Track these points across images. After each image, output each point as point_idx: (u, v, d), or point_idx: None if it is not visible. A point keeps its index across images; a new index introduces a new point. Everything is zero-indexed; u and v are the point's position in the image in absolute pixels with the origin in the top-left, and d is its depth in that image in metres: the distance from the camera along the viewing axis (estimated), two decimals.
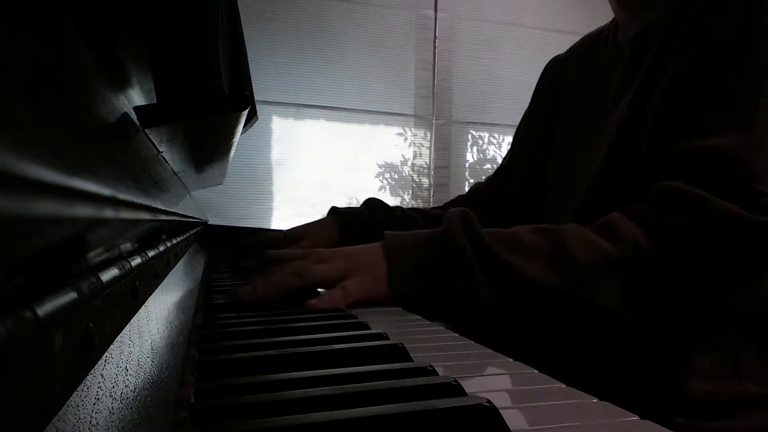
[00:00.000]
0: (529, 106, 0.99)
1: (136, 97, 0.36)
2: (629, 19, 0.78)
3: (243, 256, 1.07)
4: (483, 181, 1.09)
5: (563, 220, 0.78)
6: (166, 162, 0.49)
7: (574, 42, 0.94)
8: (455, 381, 0.30)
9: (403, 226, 0.97)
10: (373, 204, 1.02)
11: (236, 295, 0.59)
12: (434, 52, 3.02)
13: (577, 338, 0.61)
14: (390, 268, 0.60)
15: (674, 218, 0.56)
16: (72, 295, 0.17)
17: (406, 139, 3.01)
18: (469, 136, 3.10)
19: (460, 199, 1.09)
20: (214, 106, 0.41)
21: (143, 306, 0.31)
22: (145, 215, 0.33)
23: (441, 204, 1.12)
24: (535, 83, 0.99)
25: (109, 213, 0.22)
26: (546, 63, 0.98)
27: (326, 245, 0.95)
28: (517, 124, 1.02)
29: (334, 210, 1.01)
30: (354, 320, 0.51)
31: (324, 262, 0.61)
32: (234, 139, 0.62)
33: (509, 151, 1.03)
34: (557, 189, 0.85)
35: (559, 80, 0.91)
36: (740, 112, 0.59)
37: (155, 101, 0.37)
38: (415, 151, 3.02)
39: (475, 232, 0.59)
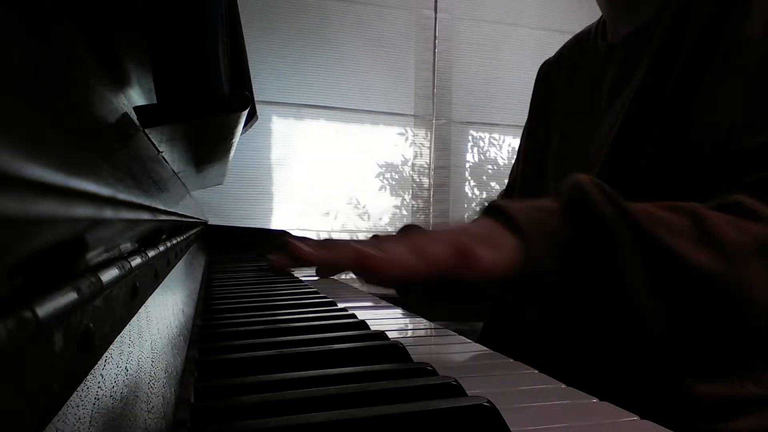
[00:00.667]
0: (528, 116, 0.98)
1: (136, 97, 0.36)
2: (619, 18, 0.77)
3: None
4: (496, 198, 1.09)
5: None
6: (166, 162, 0.49)
7: None
8: (455, 381, 0.30)
9: None
10: (410, 230, 1.03)
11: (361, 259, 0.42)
12: (434, 52, 3.02)
13: (719, 330, 0.51)
14: (526, 242, 0.47)
15: None
16: (72, 295, 0.17)
17: (406, 139, 3.01)
18: (470, 136, 3.10)
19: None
20: (214, 106, 0.41)
21: (143, 306, 0.31)
22: (145, 215, 0.33)
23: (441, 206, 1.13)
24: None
25: (108, 213, 0.22)
26: (560, 46, 0.97)
27: None
28: (517, 123, 1.03)
29: (374, 237, 1.02)
30: (354, 320, 0.51)
31: (433, 240, 0.46)
32: (234, 139, 0.62)
33: (514, 164, 1.02)
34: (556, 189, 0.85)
35: (551, 84, 0.90)
36: None
37: (155, 101, 0.37)
38: (415, 151, 3.02)
39: (617, 201, 0.49)
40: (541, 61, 0.99)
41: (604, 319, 0.50)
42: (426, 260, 0.43)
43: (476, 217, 0.52)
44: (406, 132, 3.00)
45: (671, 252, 0.48)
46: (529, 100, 0.99)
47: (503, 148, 3.11)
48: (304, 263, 0.46)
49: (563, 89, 0.86)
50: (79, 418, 0.16)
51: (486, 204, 0.52)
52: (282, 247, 1.06)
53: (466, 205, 3.03)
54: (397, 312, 0.63)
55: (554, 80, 0.90)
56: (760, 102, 0.60)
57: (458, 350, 0.45)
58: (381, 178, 2.98)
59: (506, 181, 1.07)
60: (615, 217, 0.48)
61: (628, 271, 0.47)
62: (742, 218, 0.51)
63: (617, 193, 0.49)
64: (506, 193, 1.02)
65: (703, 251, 0.48)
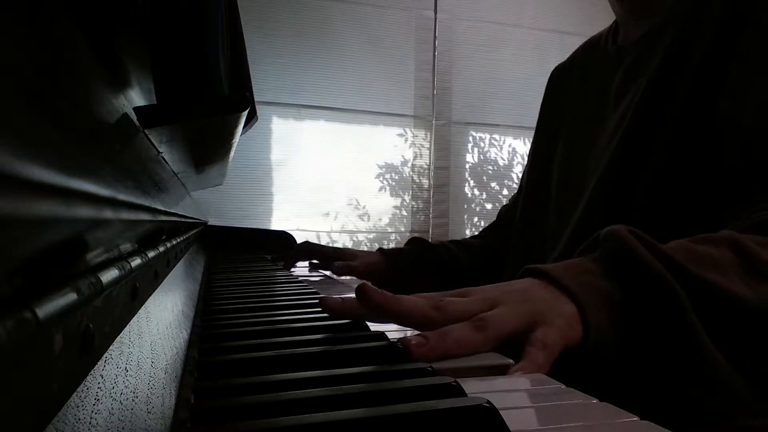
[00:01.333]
0: (538, 120, 0.99)
1: (135, 97, 0.36)
2: (631, 21, 0.77)
3: (288, 258, 1.15)
4: (508, 203, 1.10)
5: (566, 224, 0.77)
6: (166, 162, 0.49)
7: (573, 43, 0.94)
8: (455, 381, 0.30)
9: (448, 263, 1.00)
10: (417, 242, 1.07)
11: (407, 345, 0.39)
12: (434, 52, 3.02)
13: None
14: (582, 307, 0.44)
15: None
16: (72, 296, 0.17)
17: (406, 140, 3.01)
18: (469, 137, 3.10)
19: (494, 226, 1.10)
20: (214, 107, 0.41)
21: (143, 307, 0.31)
22: (144, 216, 0.33)
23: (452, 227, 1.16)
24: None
25: (108, 213, 0.22)
26: (548, 63, 1.00)
27: (377, 269, 1.00)
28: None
29: (381, 250, 1.06)
30: (353, 321, 0.50)
31: (498, 305, 0.44)
32: (234, 140, 0.62)
33: (526, 168, 1.02)
34: (559, 193, 0.84)
35: (562, 89, 0.91)
36: None
37: (155, 101, 0.37)
38: (415, 152, 3.02)
39: (657, 249, 0.46)
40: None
41: (662, 363, 0.47)
42: (492, 341, 0.42)
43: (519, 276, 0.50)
44: (406, 133, 3.01)
45: (721, 291, 0.45)
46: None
47: (503, 148, 3.11)
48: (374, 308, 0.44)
49: (574, 94, 0.87)
50: (79, 419, 0.16)
51: (527, 268, 0.49)
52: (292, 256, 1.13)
53: (465, 206, 3.03)
54: None
55: (565, 85, 0.90)
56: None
57: None
58: (381, 178, 2.98)
59: (508, 181, 1.08)
60: (664, 269, 0.45)
61: (689, 324, 0.45)
62: None
63: (655, 241, 0.47)
64: (516, 196, 1.03)
65: (756, 286, 0.46)
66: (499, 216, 1.10)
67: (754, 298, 0.45)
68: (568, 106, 0.87)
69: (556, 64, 0.97)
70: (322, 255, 1.11)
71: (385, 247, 1.08)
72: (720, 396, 0.47)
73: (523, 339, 0.42)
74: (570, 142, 0.84)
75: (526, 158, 1.07)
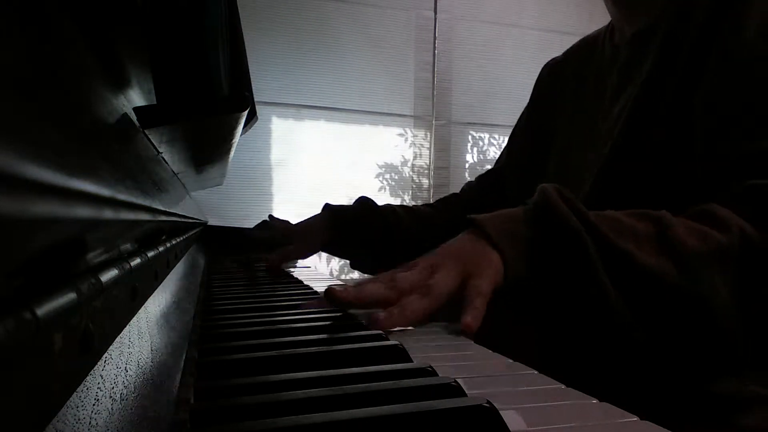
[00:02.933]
0: (526, 111, 0.98)
1: (135, 97, 0.36)
2: (625, 20, 0.77)
3: (246, 251, 1.13)
4: (474, 180, 1.09)
5: None
6: (166, 163, 0.49)
7: (573, 42, 0.94)
8: (455, 382, 0.30)
9: (393, 228, 0.98)
10: (364, 203, 1.01)
11: (375, 321, 0.49)
12: (434, 53, 3.03)
13: (686, 337, 0.54)
14: (502, 252, 0.53)
15: None
16: (71, 296, 0.17)
17: (406, 140, 3.01)
18: (469, 137, 3.11)
19: (453, 198, 1.08)
20: (213, 107, 0.41)
21: (143, 307, 0.31)
22: (144, 216, 0.33)
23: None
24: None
25: (108, 214, 0.22)
26: (543, 65, 0.98)
27: (311, 249, 1.01)
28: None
29: (327, 207, 1.02)
30: (353, 321, 0.51)
31: (437, 270, 0.53)
32: (234, 140, 0.62)
33: (504, 154, 1.03)
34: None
35: (556, 84, 0.91)
36: None
37: (155, 102, 0.37)
38: (414, 152, 3.02)
39: (578, 209, 0.53)
40: (541, 61, 0.99)
41: (583, 315, 0.54)
42: (439, 302, 0.51)
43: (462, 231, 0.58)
44: (406, 133, 3.01)
45: (630, 258, 0.51)
46: (526, 105, 1.00)
47: (502, 147, 3.11)
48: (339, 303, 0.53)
49: (569, 91, 0.87)
50: (79, 419, 0.16)
51: (466, 218, 0.58)
52: (265, 241, 1.09)
53: None
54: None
55: (560, 80, 0.90)
56: (757, 106, 0.60)
57: (458, 351, 0.45)
58: (381, 178, 2.98)
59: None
60: (578, 224, 0.53)
61: (593, 274, 0.52)
62: (711, 227, 0.53)
63: (580, 205, 0.54)
64: (486, 177, 1.04)
65: (663, 258, 0.52)
66: (462, 192, 1.09)
67: (656, 268, 0.51)
68: (563, 102, 0.87)
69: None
70: (271, 242, 1.09)
71: (333, 203, 1.03)
72: (615, 329, 0.53)
73: (462, 291, 0.52)
74: (567, 140, 0.84)
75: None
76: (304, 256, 1.05)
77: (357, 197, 1.03)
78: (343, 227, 0.98)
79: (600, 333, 0.55)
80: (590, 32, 0.92)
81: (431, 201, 3.00)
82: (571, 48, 0.93)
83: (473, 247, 0.55)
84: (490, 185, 1.01)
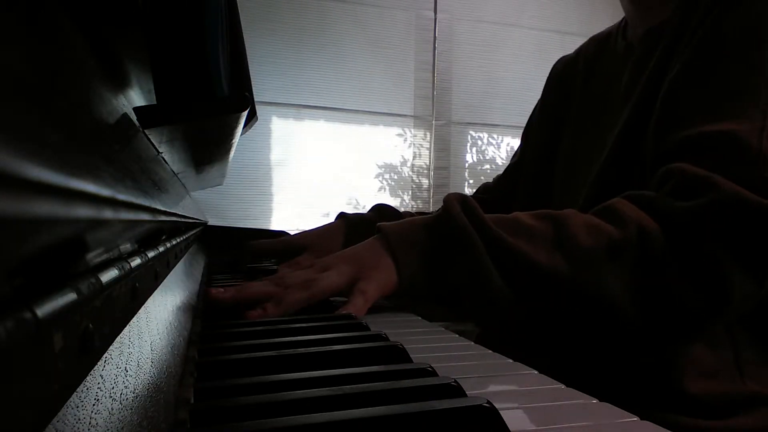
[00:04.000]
0: (538, 108, 0.98)
1: (135, 97, 0.36)
2: (639, 17, 0.77)
3: (242, 260, 1.01)
4: (491, 181, 1.07)
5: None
6: (166, 163, 0.49)
7: (573, 43, 0.94)
8: (455, 382, 0.30)
9: None
10: (382, 211, 0.98)
11: (247, 316, 0.55)
12: (434, 53, 3.02)
13: (582, 328, 0.58)
14: (396, 259, 0.58)
15: (680, 199, 0.54)
16: (71, 296, 0.17)
17: (405, 140, 3.01)
18: (469, 137, 3.11)
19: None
20: (213, 107, 0.41)
21: (143, 307, 0.31)
22: (144, 216, 0.33)
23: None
24: (535, 84, 0.99)
25: (108, 214, 0.22)
26: (548, 63, 0.98)
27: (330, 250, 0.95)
28: (516, 124, 1.02)
29: (343, 216, 0.98)
30: (353, 321, 0.51)
31: (328, 269, 0.59)
32: (234, 140, 0.62)
33: (518, 152, 1.01)
34: (563, 188, 0.84)
35: (568, 81, 0.90)
36: (750, 99, 0.58)
37: (155, 102, 0.37)
38: (414, 152, 3.02)
39: (475, 215, 0.58)
40: (541, 62, 0.99)
41: (470, 304, 0.59)
42: (317, 295, 0.58)
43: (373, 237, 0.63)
44: (406, 133, 3.01)
45: (523, 256, 0.55)
46: (529, 101, 0.99)
47: (502, 148, 3.11)
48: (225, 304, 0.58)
49: (580, 87, 0.86)
50: (79, 419, 0.16)
51: (376, 227, 0.63)
52: (248, 256, 1.00)
53: None
54: (397, 313, 0.63)
55: (572, 77, 0.90)
56: (704, 93, 0.61)
57: (458, 351, 0.45)
58: (380, 178, 2.98)
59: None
60: (471, 227, 0.57)
61: (489, 274, 0.56)
62: (608, 222, 0.56)
63: (477, 207, 0.58)
64: (503, 177, 1.02)
65: (554, 254, 0.55)
66: (476, 193, 1.07)
67: (546, 263, 0.55)
68: (574, 99, 0.87)
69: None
70: (275, 253, 1.02)
71: (350, 213, 0.97)
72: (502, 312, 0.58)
73: (348, 291, 0.58)
74: (577, 136, 0.84)
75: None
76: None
77: (373, 205, 1.01)
78: (361, 236, 0.97)
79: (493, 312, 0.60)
80: (591, 32, 0.92)
81: (431, 201, 3.00)
82: (582, 46, 0.92)
83: (370, 253, 0.60)
84: (507, 185, 0.99)
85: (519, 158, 0.99)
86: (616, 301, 0.54)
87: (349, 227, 0.94)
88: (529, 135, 0.98)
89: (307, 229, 1.00)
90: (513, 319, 0.59)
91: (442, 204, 0.61)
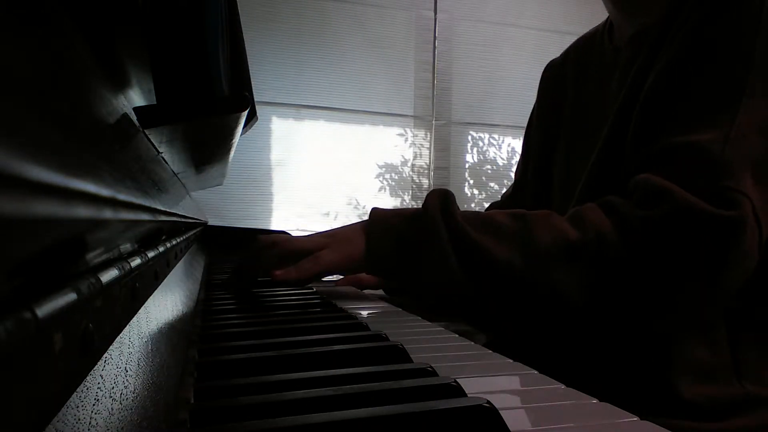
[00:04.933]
0: (535, 114, 0.97)
1: (135, 97, 0.36)
2: (625, 20, 0.77)
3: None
4: (499, 200, 1.06)
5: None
6: (166, 163, 0.49)
7: (572, 42, 0.93)
8: (455, 382, 0.30)
9: None
10: None
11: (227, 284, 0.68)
12: (434, 53, 3.03)
13: (535, 323, 0.61)
14: (369, 239, 0.64)
15: (639, 208, 0.56)
16: (71, 296, 0.17)
17: (406, 140, 3.01)
18: (469, 137, 3.11)
19: None
20: (213, 107, 0.41)
21: (143, 307, 0.31)
22: (144, 216, 0.33)
23: None
24: (535, 84, 0.98)
25: (108, 214, 0.22)
26: (543, 66, 0.96)
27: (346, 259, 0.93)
28: (516, 124, 1.02)
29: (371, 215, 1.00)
30: (353, 321, 0.51)
31: (310, 238, 0.67)
32: (234, 140, 0.62)
33: (520, 163, 1.01)
34: (561, 193, 0.84)
35: (558, 86, 0.90)
36: (721, 109, 0.58)
37: (155, 102, 0.37)
38: (414, 152, 3.02)
39: (449, 210, 0.62)
40: (541, 62, 0.98)
41: (431, 289, 0.64)
42: (282, 251, 0.68)
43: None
44: (406, 133, 3.01)
45: (479, 248, 0.59)
46: (529, 101, 0.99)
47: (503, 148, 3.11)
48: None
49: (571, 90, 0.86)
50: (79, 419, 0.16)
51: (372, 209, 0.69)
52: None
53: (465, 206, 3.03)
54: (397, 313, 0.63)
55: (561, 81, 0.89)
56: (679, 103, 0.61)
57: (458, 351, 0.45)
58: (381, 178, 2.98)
59: (507, 181, 1.05)
60: (441, 221, 0.61)
61: (448, 264, 0.60)
62: (570, 225, 0.59)
63: (454, 204, 0.64)
64: (513, 192, 1.01)
65: (514, 251, 0.59)
66: (493, 208, 1.05)
67: (503, 257, 0.58)
68: (566, 104, 0.87)
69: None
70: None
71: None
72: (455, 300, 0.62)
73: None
74: (572, 140, 0.83)
75: None
76: (337, 263, 0.95)
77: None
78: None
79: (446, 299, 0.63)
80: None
81: None
82: (569, 48, 0.92)
83: (348, 230, 0.68)
84: (516, 198, 0.98)
85: (523, 168, 0.98)
86: (567, 297, 0.57)
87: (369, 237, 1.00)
88: (529, 143, 0.98)
89: (308, 229, 0.99)
90: (470, 308, 0.63)
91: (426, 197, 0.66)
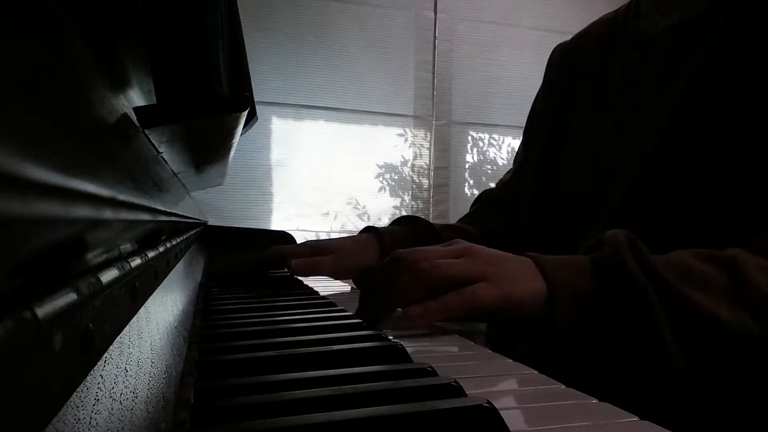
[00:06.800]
0: (540, 99, 0.91)
1: (135, 97, 0.36)
2: (665, 6, 0.71)
3: (255, 267, 0.90)
4: (493, 188, 1.00)
5: (592, 224, 0.68)
6: (166, 163, 0.49)
7: None
8: (455, 382, 0.30)
9: None
10: (413, 223, 0.86)
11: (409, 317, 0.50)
12: (434, 53, 3.03)
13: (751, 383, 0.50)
14: (549, 295, 0.49)
15: None
16: (71, 296, 0.17)
17: (405, 140, 3.01)
18: (469, 137, 3.11)
19: (484, 211, 0.96)
20: (213, 107, 0.41)
21: (143, 307, 0.31)
22: (144, 216, 0.33)
23: (459, 215, 0.99)
24: (535, 84, 0.95)
25: (108, 214, 0.22)
26: (543, 66, 0.91)
27: (348, 268, 0.80)
28: (517, 124, 1.00)
29: (372, 230, 0.84)
30: (354, 321, 0.51)
31: (462, 256, 0.51)
32: (234, 140, 0.62)
33: (520, 152, 0.95)
34: (579, 187, 0.77)
35: (569, 72, 0.84)
36: None
37: (155, 102, 0.37)
38: (414, 152, 3.02)
39: (648, 263, 0.49)
40: (541, 62, 0.95)
41: (629, 366, 0.50)
42: (451, 313, 0.49)
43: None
44: (406, 133, 3.01)
45: (702, 312, 0.47)
46: (529, 101, 0.96)
47: (503, 148, 3.11)
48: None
49: (588, 76, 0.80)
50: (79, 419, 0.16)
51: (528, 255, 0.53)
52: (261, 263, 0.86)
53: (465, 206, 3.02)
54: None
55: (572, 67, 0.84)
56: None
57: (458, 351, 0.45)
58: (381, 178, 2.98)
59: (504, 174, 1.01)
60: (647, 283, 0.47)
61: (661, 334, 0.47)
62: None
63: (648, 253, 0.49)
64: (513, 179, 0.93)
65: (740, 311, 0.47)
66: (490, 198, 0.98)
67: (734, 322, 0.46)
68: (581, 92, 0.81)
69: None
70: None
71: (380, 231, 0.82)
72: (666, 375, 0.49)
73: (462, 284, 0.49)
74: (589, 133, 0.77)
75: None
76: (335, 274, 0.83)
77: (397, 217, 0.90)
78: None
79: (647, 376, 0.50)
80: None
81: (431, 201, 3.00)
82: (582, 33, 0.86)
83: (517, 264, 0.52)
84: (517, 187, 0.90)
85: (523, 158, 0.92)
86: None
87: (384, 245, 0.80)
88: (531, 131, 0.92)
89: (308, 229, 0.97)
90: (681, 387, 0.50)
91: (604, 244, 0.51)
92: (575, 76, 0.83)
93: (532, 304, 0.49)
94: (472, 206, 1.00)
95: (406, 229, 0.84)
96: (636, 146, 0.68)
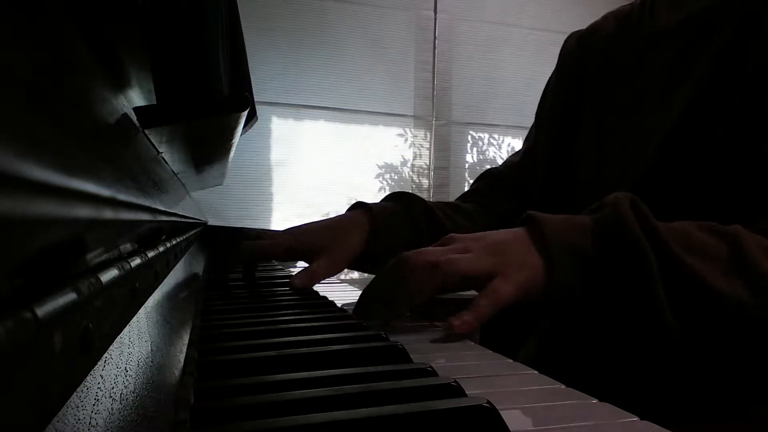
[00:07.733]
0: (552, 84, 0.90)
1: (135, 97, 0.36)
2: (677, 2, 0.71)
3: (239, 262, 0.85)
4: (499, 167, 0.96)
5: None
6: (166, 163, 0.49)
7: None
8: (455, 382, 0.30)
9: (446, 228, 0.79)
10: (407, 201, 0.81)
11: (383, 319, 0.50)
12: (434, 53, 3.03)
13: (754, 363, 0.51)
14: (547, 261, 0.49)
15: None
16: (71, 296, 0.17)
17: (405, 140, 3.01)
18: (469, 137, 3.11)
19: (485, 190, 0.92)
20: (213, 107, 0.41)
21: (143, 307, 0.31)
22: (144, 216, 0.33)
23: (461, 195, 0.96)
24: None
25: (108, 213, 0.22)
26: (548, 63, 0.90)
27: (344, 262, 0.74)
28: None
29: (361, 206, 0.80)
30: (353, 321, 0.51)
31: (467, 252, 0.50)
32: (234, 140, 0.62)
33: (531, 133, 0.93)
34: (591, 173, 0.76)
35: (583, 58, 0.84)
36: None
37: (155, 102, 0.37)
38: (414, 152, 3.02)
39: (649, 223, 0.49)
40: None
41: (623, 329, 0.51)
42: (442, 280, 0.49)
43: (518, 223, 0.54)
44: (406, 133, 3.01)
45: (699, 279, 0.47)
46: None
47: (503, 148, 3.11)
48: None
49: (599, 66, 0.80)
50: (79, 419, 0.16)
51: (525, 215, 0.53)
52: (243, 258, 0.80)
53: None
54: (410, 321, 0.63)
55: (585, 54, 0.83)
56: None
57: (458, 351, 0.45)
58: (380, 178, 2.98)
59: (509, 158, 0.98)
60: (645, 241, 0.48)
61: (657, 296, 0.47)
62: None
63: (650, 215, 0.49)
64: (522, 160, 0.91)
65: (735, 280, 0.47)
66: (496, 177, 0.94)
67: (728, 291, 0.47)
68: (591, 82, 0.81)
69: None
70: (275, 258, 0.85)
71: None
72: (660, 343, 0.50)
73: (481, 285, 0.49)
74: (600, 122, 0.77)
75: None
76: (336, 272, 0.75)
77: (390, 193, 0.85)
78: (389, 229, 0.76)
79: (640, 343, 0.51)
80: None
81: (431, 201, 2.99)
82: (597, 22, 0.86)
83: (515, 245, 0.51)
84: (523, 170, 0.89)
85: (534, 140, 0.90)
86: None
87: (376, 223, 0.75)
88: (542, 115, 0.90)
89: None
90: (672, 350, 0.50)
91: (606, 205, 0.51)
92: (588, 64, 0.82)
93: (541, 281, 0.49)
94: (474, 183, 0.96)
95: (399, 206, 0.80)
96: (651, 132, 0.67)
